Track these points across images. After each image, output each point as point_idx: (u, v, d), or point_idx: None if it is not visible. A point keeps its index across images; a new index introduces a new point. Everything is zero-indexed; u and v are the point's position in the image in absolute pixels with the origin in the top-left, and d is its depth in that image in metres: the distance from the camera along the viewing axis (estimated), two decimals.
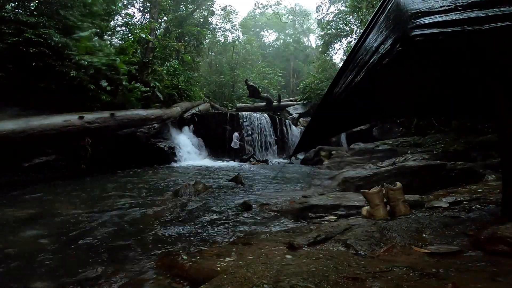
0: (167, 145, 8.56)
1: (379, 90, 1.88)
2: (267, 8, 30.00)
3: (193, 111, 11.10)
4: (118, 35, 11.83)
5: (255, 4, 38.96)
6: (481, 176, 3.63)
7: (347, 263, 1.32)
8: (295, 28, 31.88)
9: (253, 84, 15.93)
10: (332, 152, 8.40)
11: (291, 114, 14.96)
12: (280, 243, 1.85)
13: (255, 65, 24.79)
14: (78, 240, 2.28)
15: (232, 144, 10.14)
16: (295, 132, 12.01)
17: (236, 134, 10.26)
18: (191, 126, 10.43)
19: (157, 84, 9.65)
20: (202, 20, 17.34)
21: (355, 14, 13.45)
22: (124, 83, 7.64)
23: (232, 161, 9.51)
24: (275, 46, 32.90)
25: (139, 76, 8.96)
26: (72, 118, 5.48)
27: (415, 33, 1.11)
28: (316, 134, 2.74)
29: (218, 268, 1.49)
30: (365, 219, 2.25)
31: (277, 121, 11.81)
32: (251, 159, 9.57)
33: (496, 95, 1.69)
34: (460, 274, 1.14)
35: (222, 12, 21.60)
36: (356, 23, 13.78)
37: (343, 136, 11.16)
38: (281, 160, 10.40)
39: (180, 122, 10.12)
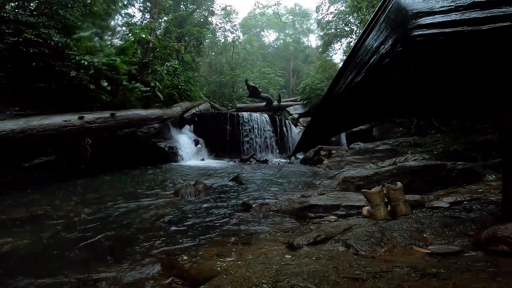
0: (167, 145, 8.55)
1: (379, 90, 1.88)
2: (267, 8, 30.07)
3: (193, 111, 11.09)
4: (118, 35, 11.84)
5: (255, 4, 39.13)
6: (481, 176, 3.64)
7: (348, 263, 1.32)
8: (295, 28, 31.88)
9: (253, 84, 15.91)
10: (332, 152, 8.40)
11: (291, 114, 14.94)
12: (280, 243, 1.85)
13: (255, 65, 24.78)
14: (78, 240, 2.28)
15: None
16: (295, 132, 11.99)
17: None
18: (191, 126, 10.43)
19: (157, 84, 9.64)
20: (202, 20, 17.33)
21: (355, 14, 13.43)
22: (124, 83, 7.63)
23: (232, 161, 9.52)
24: (275, 46, 32.89)
25: (139, 76, 8.95)
26: (72, 118, 5.47)
27: (415, 33, 1.11)
28: (316, 134, 2.74)
29: (218, 268, 1.49)
30: (365, 219, 2.25)
31: (277, 121, 11.79)
32: (251, 159, 9.56)
33: (496, 95, 1.69)
34: (461, 274, 1.14)
35: (222, 12, 21.63)
36: (356, 23, 13.76)
37: (343, 136, 11.15)
38: (281, 160, 10.39)
39: (180, 122, 10.11)
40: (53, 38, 5.95)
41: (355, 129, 8.77)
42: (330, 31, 15.97)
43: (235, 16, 23.35)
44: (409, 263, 1.29)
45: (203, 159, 9.28)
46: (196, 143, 9.63)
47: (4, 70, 5.46)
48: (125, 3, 11.90)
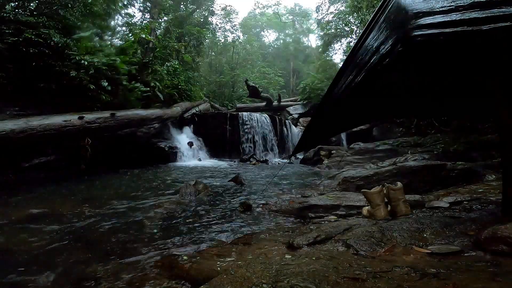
0: (167, 145, 8.55)
1: (379, 90, 1.88)
2: (267, 8, 30.10)
3: (193, 111, 11.08)
4: (118, 35, 11.84)
5: (255, 4, 39.15)
6: (481, 176, 3.64)
7: (348, 263, 1.32)
8: (295, 28, 31.85)
9: (253, 84, 15.89)
10: (332, 152, 8.40)
11: (291, 114, 14.93)
12: (280, 243, 1.85)
13: (255, 65, 24.74)
14: (78, 240, 2.28)
15: None
16: (295, 132, 11.99)
17: None
18: (191, 126, 10.43)
19: (157, 84, 9.64)
20: (202, 20, 17.32)
21: (355, 14, 13.43)
22: (124, 83, 7.63)
23: (232, 161, 9.52)
24: (275, 46, 32.85)
25: (139, 76, 8.95)
26: (72, 118, 5.47)
27: (416, 33, 1.11)
28: (316, 134, 2.74)
29: (218, 268, 1.49)
30: (365, 219, 2.25)
31: (277, 121, 11.79)
32: (251, 159, 9.55)
33: (496, 95, 1.69)
34: (461, 274, 1.14)
35: (222, 12, 21.65)
36: (356, 23, 13.76)
37: (343, 136, 11.16)
38: (281, 160, 10.39)
39: (180, 122, 10.11)
40: (53, 38, 5.95)
41: (355, 129, 8.76)
42: (330, 31, 15.97)
43: (235, 16, 23.41)
44: (409, 263, 1.29)
45: (200, 159, 9.27)
46: (191, 144, 9.47)
47: (4, 70, 5.46)
48: (125, 3, 11.91)
